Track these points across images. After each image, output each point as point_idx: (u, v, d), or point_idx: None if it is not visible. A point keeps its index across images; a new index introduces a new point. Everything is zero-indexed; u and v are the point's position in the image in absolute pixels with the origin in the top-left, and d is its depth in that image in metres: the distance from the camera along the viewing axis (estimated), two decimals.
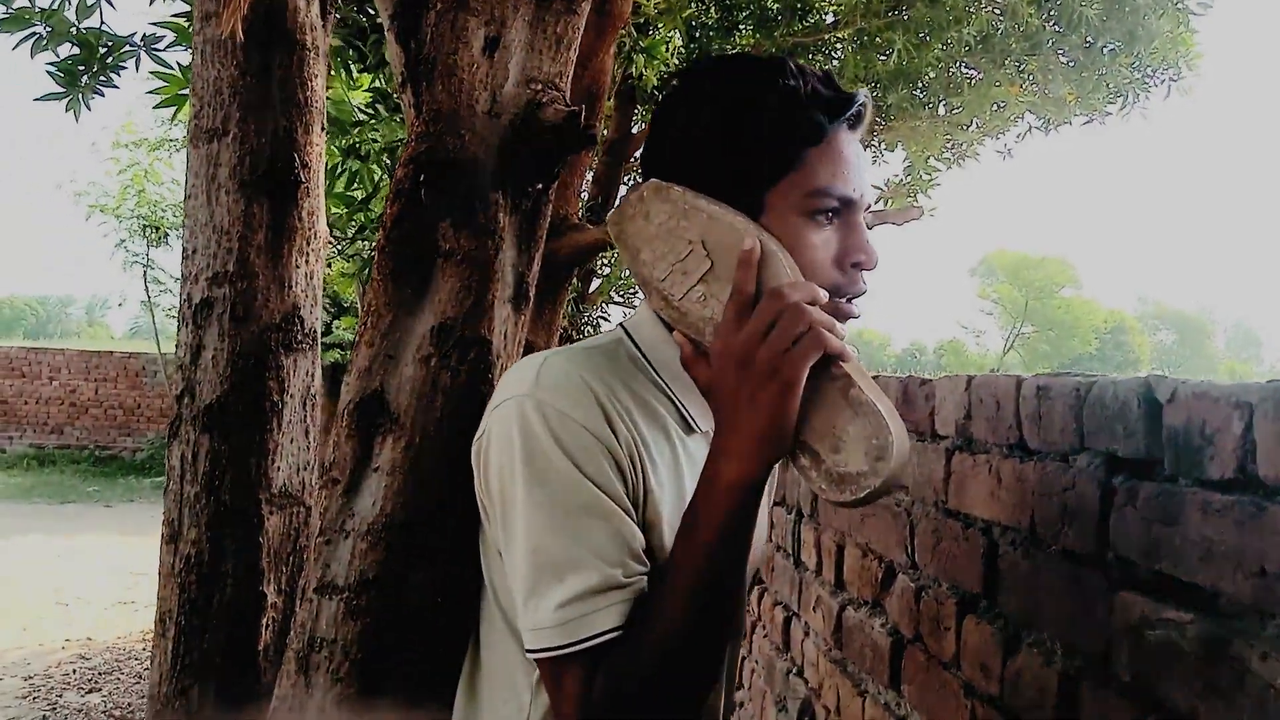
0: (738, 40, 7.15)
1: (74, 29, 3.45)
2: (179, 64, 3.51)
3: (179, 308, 2.10)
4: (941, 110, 7.96)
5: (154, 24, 3.52)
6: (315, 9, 2.05)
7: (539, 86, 1.36)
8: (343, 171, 4.25)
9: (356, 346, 1.32)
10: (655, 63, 5.31)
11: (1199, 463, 1.02)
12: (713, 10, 7.14)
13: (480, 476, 1.19)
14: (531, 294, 1.43)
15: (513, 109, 1.34)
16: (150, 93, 3.49)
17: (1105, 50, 7.71)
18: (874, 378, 2.52)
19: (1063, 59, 7.64)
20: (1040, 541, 1.47)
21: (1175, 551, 1.06)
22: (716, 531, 1.06)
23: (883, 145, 8.41)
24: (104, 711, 6.28)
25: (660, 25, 5.88)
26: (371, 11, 4.03)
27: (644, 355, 1.22)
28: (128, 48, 3.37)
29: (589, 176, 7.00)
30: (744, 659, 3.50)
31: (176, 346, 2.03)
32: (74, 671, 7.03)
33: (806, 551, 2.84)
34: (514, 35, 1.35)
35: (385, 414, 1.28)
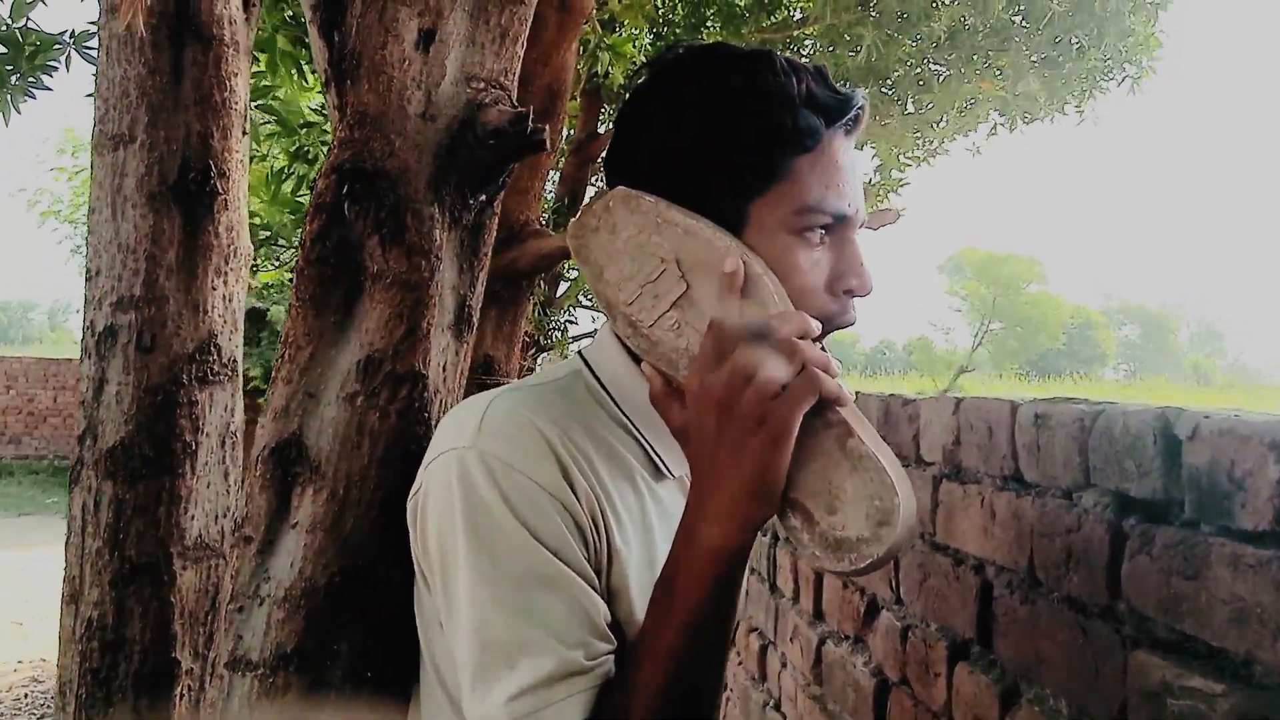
0: (705, 37, 7.02)
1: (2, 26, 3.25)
2: None
3: (82, 336, 1.88)
4: (911, 108, 7.88)
5: (91, 23, 3.32)
6: (235, 0, 1.86)
7: (481, 85, 1.20)
8: (289, 175, 4.06)
9: (273, 383, 1.15)
10: (622, 60, 5.16)
11: (1227, 509, 0.92)
12: (679, 7, 7.02)
13: (417, 539, 1.04)
14: (475, 319, 1.27)
15: (450, 111, 1.18)
16: (89, 96, 3.29)
17: (1074, 45, 7.68)
18: (856, 396, 2.39)
19: (1032, 56, 7.59)
20: (1040, 586, 1.35)
21: (1200, 610, 0.97)
22: (695, 603, 0.93)
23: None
24: None
25: (625, 22, 5.74)
26: None
27: (605, 389, 1.09)
28: (57, 46, 3.16)
29: (555, 177, 6.85)
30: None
31: (80, 380, 1.83)
32: (26, 696, 6.77)
33: (783, 577, 2.70)
34: (452, 28, 1.19)
35: (304, 461, 1.12)
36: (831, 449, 0.93)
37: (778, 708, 2.64)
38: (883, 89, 7.70)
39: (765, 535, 2.88)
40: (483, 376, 3.48)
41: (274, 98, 3.77)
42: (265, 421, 1.13)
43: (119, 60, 1.80)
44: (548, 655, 0.92)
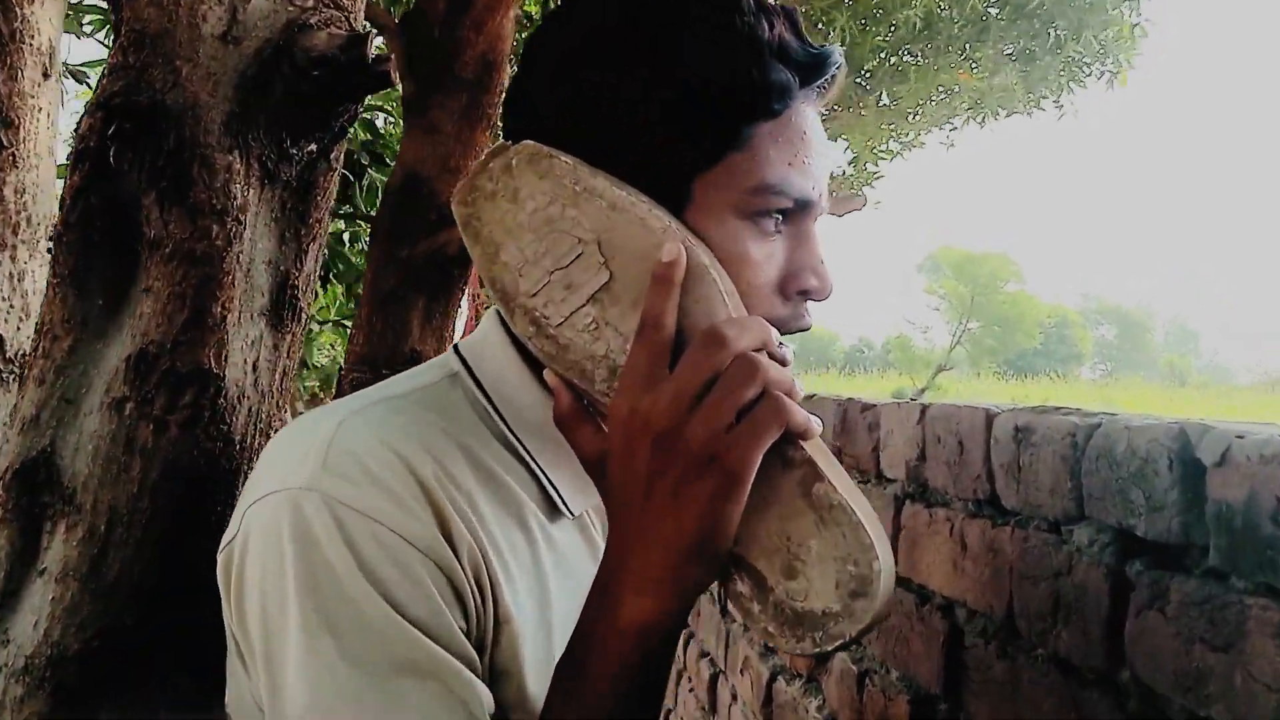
0: None
1: None
2: None
3: None
4: (886, 99, 7.68)
5: None
6: None
7: (308, 1, 0.93)
8: None
9: (22, 385, 0.88)
10: None
11: (1270, 561, 0.72)
12: None
13: (231, 604, 0.79)
14: (305, 303, 1.00)
15: (262, 32, 0.91)
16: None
17: (1051, 38, 7.54)
18: (809, 398, 2.12)
19: (1008, 49, 7.45)
20: (1021, 638, 1.13)
21: (1235, 694, 0.76)
22: (611, 692, 0.76)
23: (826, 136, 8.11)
24: None
25: None
26: None
27: (490, 400, 0.87)
28: None
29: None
30: (669, 711, 3.10)
31: None
32: None
33: None
34: None
35: (56, 488, 0.84)
36: (793, 496, 0.76)
37: None
38: (857, 79, 7.50)
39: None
40: (361, 374, 3.16)
41: None
42: (9, 434, 0.85)
43: None
44: None
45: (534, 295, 0.79)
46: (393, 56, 0.96)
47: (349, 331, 3.94)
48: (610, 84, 0.79)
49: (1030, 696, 1.07)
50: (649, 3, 0.81)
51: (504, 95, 0.89)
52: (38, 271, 1.53)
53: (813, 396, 2.09)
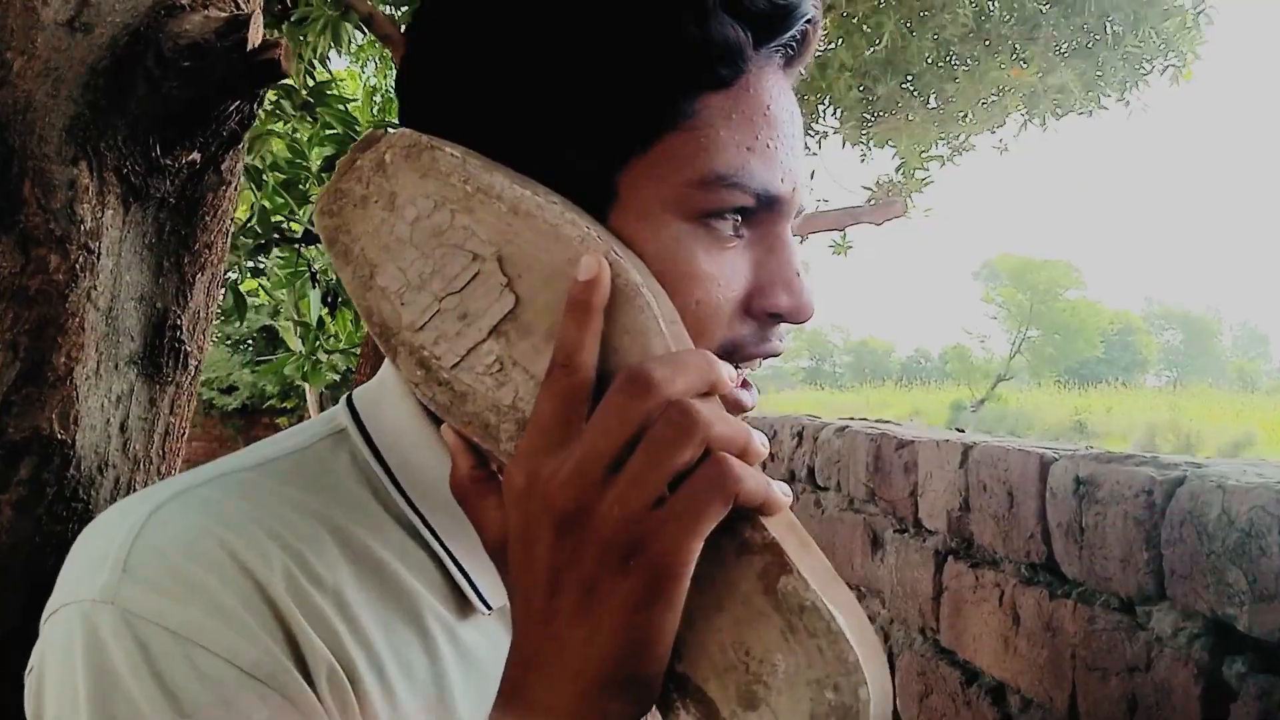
0: None
1: None
2: None
3: None
4: (935, 102, 7.41)
5: None
6: None
7: None
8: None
9: None
10: None
11: None
12: None
13: None
14: (197, 344, 0.82)
15: (118, 17, 0.74)
16: None
17: (1109, 34, 7.22)
18: (842, 428, 1.90)
19: (1062, 46, 7.14)
20: None
21: None
22: None
23: (871, 142, 7.84)
24: None
25: None
26: None
27: (384, 465, 0.69)
28: None
29: None
30: None
31: None
32: None
33: None
34: None
35: None
36: (752, 594, 0.57)
37: None
38: (904, 83, 7.24)
39: None
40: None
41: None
42: None
43: None
44: None
45: (420, 329, 0.61)
46: (284, 43, 0.78)
47: (357, 361, 3.78)
48: (508, 50, 0.62)
49: None
50: None
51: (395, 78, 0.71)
52: None
53: (846, 427, 1.88)
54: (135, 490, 0.78)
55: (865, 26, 6.80)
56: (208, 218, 0.82)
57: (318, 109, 3.59)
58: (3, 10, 0.71)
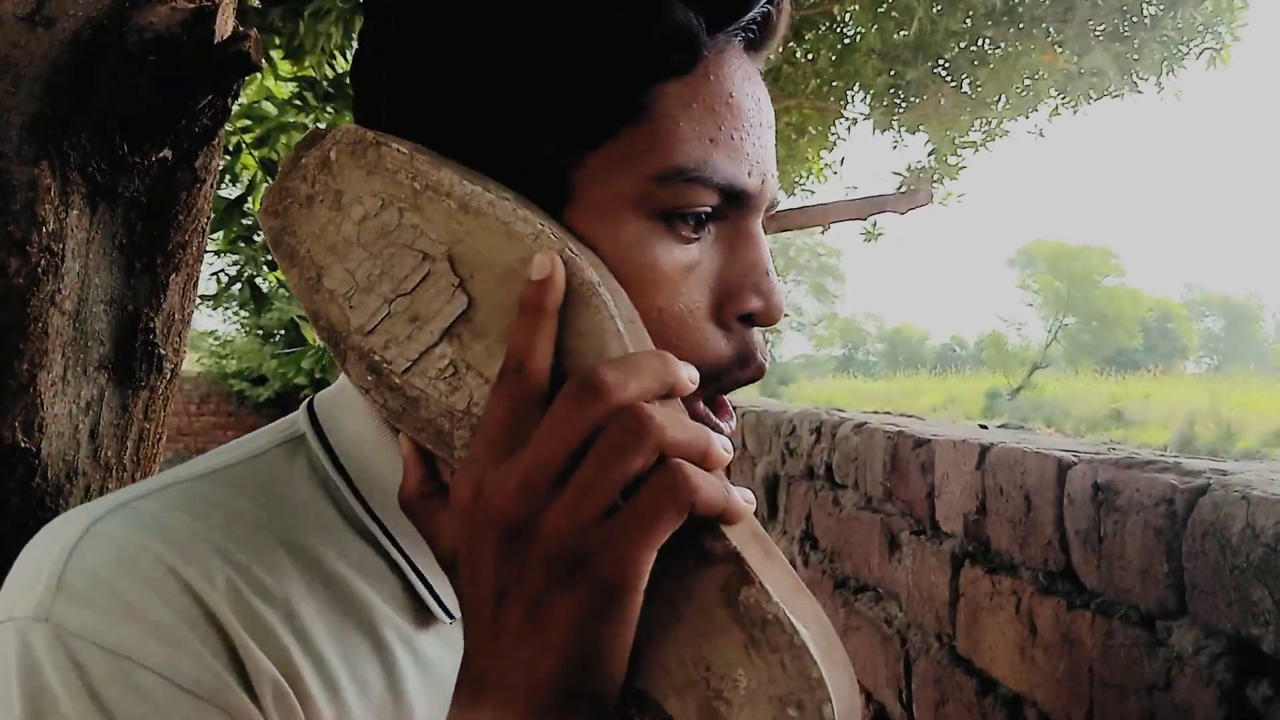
0: None
1: None
2: None
3: None
4: (966, 87, 7.29)
5: None
6: None
7: None
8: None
9: None
10: None
11: None
12: None
13: None
14: (173, 347, 0.80)
15: (80, 10, 0.71)
16: None
17: (1145, 17, 7.07)
18: (859, 425, 1.85)
19: (1098, 28, 7.00)
20: None
21: None
22: None
23: (902, 128, 7.74)
24: None
25: None
26: None
27: (341, 473, 0.68)
28: None
29: None
30: None
31: None
32: None
33: None
34: None
35: None
36: (713, 606, 0.54)
37: None
38: (935, 67, 7.13)
39: None
40: None
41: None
42: None
43: None
44: None
45: (370, 333, 0.59)
46: (254, 34, 0.75)
47: None
48: (457, 42, 0.60)
49: None
50: None
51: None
52: None
53: (864, 424, 1.83)
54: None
55: (893, 12, 6.71)
56: (181, 217, 0.79)
57: (336, 102, 3.60)
58: None
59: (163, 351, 0.79)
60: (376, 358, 0.59)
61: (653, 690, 0.56)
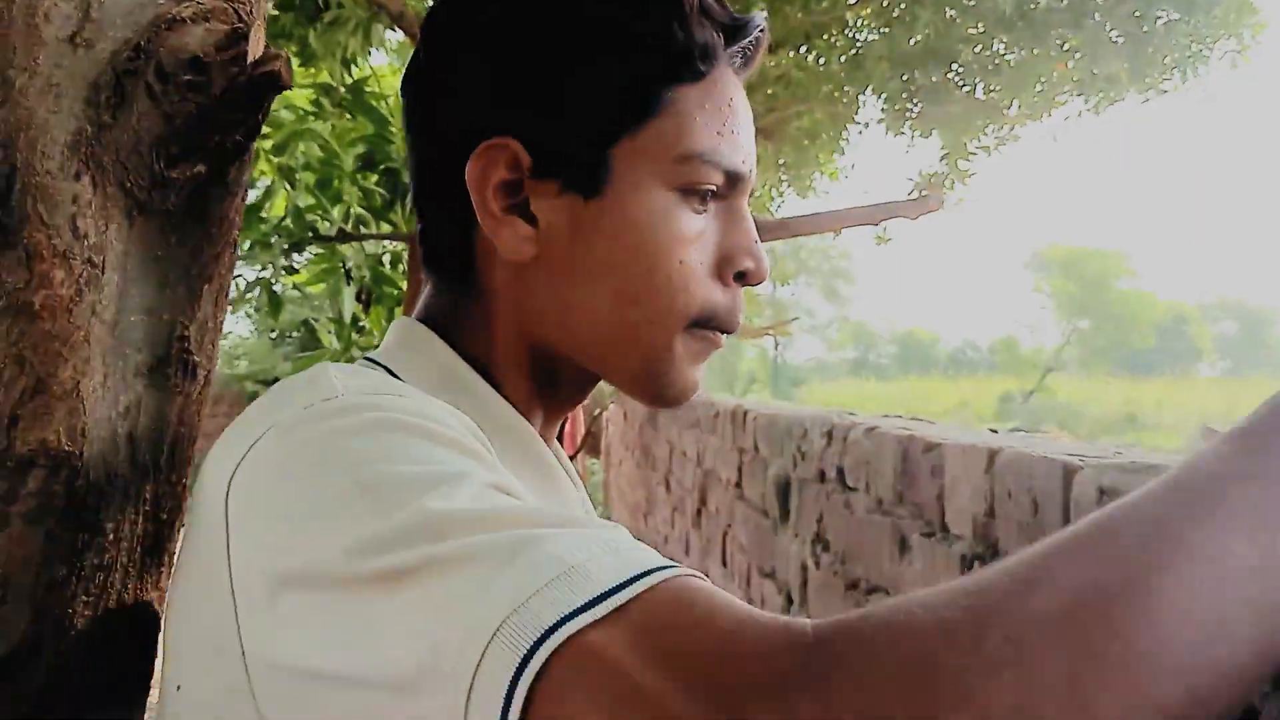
0: None
1: None
2: None
3: None
4: (979, 92, 7.29)
5: None
6: None
7: None
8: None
9: None
10: None
11: None
12: None
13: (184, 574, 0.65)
14: (206, 355, 0.83)
15: (120, 32, 0.74)
16: None
17: (1159, 21, 7.06)
18: (870, 429, 1.87)
19: (1112, 33, 6.99)
20: None
21: None
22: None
23: (915, 132, 7.74)
24: None
25: None
26: None
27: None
28: None
29: None
30: None
31: None
32: None
33: None
34: None
35: None
36: None
37: None
38: (947, 73, 7.13)
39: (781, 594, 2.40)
40: None
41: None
42: None
43: None
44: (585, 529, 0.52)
45: None
46: (284, 54, 0.78)
47: None
48: (521, 51, 0.74)
49: None
50: None
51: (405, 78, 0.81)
52: None
53: (875, 428, 1.86)
54: (144, 500, 0.78)
55: (904, 19, 6.72)
56: (214, 230, 0.82)
57: (351, 110, 3.65)
58: (5, 29, 0.71)
59: (196, 359, 0.82)
60: None
61: None
